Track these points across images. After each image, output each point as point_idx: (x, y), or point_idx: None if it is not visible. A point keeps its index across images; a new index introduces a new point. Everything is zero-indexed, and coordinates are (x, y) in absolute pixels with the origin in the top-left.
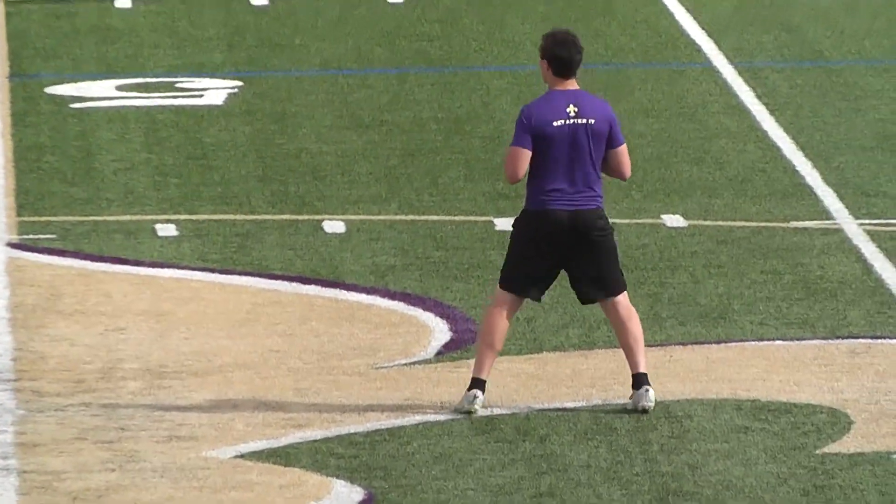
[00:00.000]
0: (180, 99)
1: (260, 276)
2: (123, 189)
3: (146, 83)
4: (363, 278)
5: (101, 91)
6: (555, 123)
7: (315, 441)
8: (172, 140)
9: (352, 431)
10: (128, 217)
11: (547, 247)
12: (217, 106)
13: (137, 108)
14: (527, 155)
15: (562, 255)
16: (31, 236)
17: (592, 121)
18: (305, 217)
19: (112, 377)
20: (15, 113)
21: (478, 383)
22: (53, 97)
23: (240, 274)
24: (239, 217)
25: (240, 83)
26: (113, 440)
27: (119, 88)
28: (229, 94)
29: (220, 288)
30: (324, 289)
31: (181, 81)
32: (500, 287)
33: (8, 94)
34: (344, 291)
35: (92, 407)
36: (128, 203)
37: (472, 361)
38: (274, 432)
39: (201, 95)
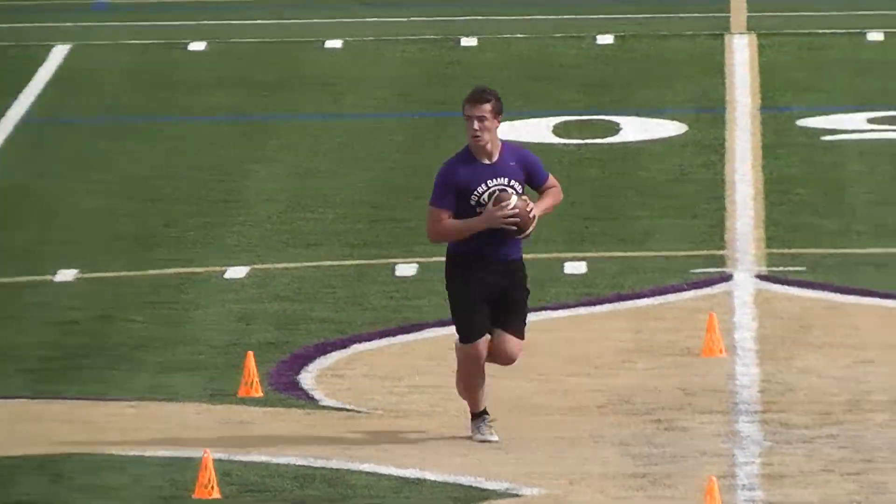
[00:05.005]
0: None
1: None
2: (874, 222)
3: None
4: None
5: (852, 124)
6: None
7: None
8: None
9: None
10: (878, 250)
11: None
12: None
13: (889, 140)
14: None
15: None
16: (780, 268)
17: None
18: None
19: (859, 409)
20: (766, 145)
21: None
22: (805, 129)
23: None
24: None
25: None
26: (860, 472)
27: (871, 121)
28: None
29: None
30: None
31: None
32: None
33: (759, 126)
34: None
35: (839, 439)
36: (878, 236)
37: None
38: None
39: None
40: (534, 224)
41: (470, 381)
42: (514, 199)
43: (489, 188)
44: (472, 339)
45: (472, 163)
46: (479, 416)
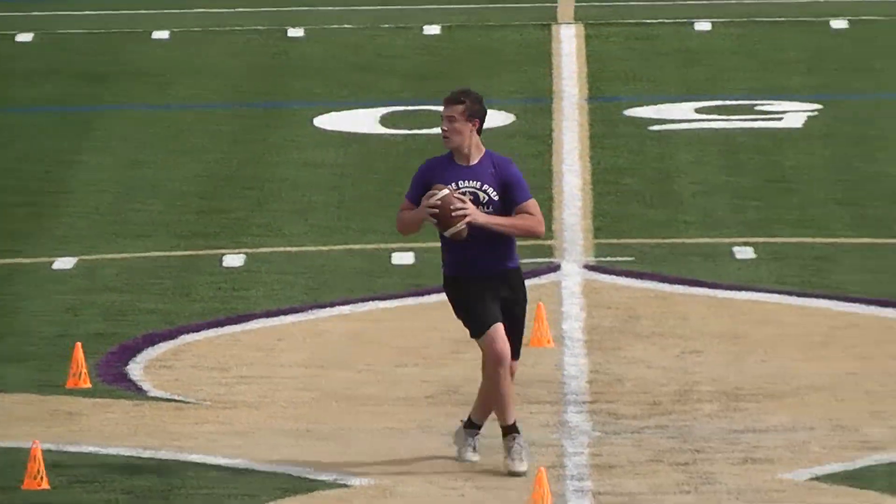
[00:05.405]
0: (759, 122)
1: (837, 298)
2: (702, 212)
3: (725, 105)
4: None
5: (680, 113)
6: None
7: (891, 463)
8: (751, 163)
9: None
10: (706, 240)
11: None
12: (796, 129)
13: (716, 130)
14: None
15: None
16: (608, 258)
17: None
18: (884, 240)
19: (688, 399)
20: (594, 135)
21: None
22: (632, 119)
23: (817, 297)
24: (818, 240)
25: (819, 106)
26: (688, 462)
27: (698, 111)
28: (809, 117)
29: (796, 310)
30: None
31: (760, 104)
32: None
33: (587, 116)
34: None
35: (668, 429)
36: (706, 226)
37: None
38: (850, 455)
39: (781, 118)
40: (459, 226)
41: (500, 385)
42: (442, 192)
43: (459, 189)
44: (485, 327)
45: (450, 163)
46: (510, 429)
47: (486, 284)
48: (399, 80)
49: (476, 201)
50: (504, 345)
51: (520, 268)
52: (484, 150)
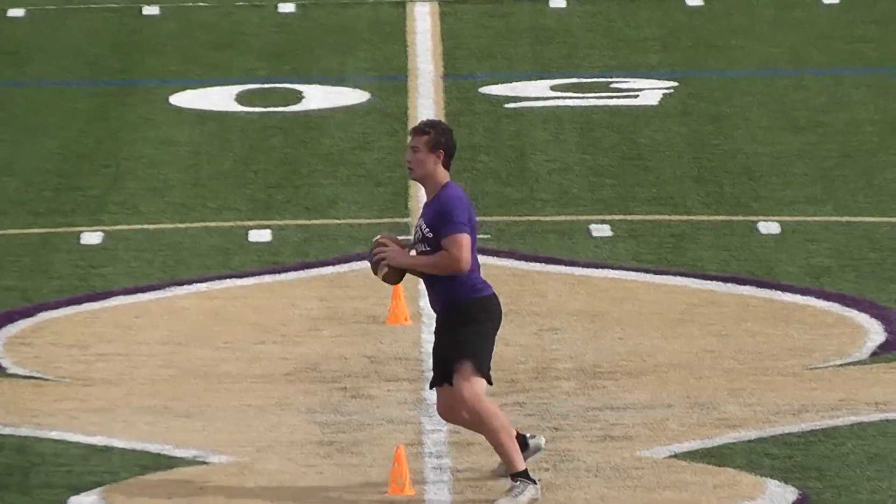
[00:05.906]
0: (615, 99)
1: (695, 276)
2: (558, 189)
3: (581, 83)
4: (798, 279)
5: (535, 91)
6: (474, 213)
7: (749, 441)
8: (607, 140)
9: (786, 432)
10: (562, 217)
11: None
12: (652, 106)
13: (572, 108)
14: None
15: None
16: None
17: None
18: (740, 218)
19: (546, 377)
20: (449, 113)
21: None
22: (488, 97)
23: (674, 274)
24: (674, 217)
25: (675, 83)
26: (547, 440)
27: (553, 88)
28: (665, 95)
29: (654, 288)
30: (759, 289)
31: (616, 81)
32: (480, 374)
33: (442, 94)
34: (779, 292)
35: (526, 406)
36: (562, 203)
37: None
38: (708, 432)
39: (636, 96)
40: (384, 272)
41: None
42: (376, 238)
43: (418, 227)
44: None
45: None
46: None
47: (436, 330)
48: (254, 57)
49: (418, 239)
50: (440, 407)
51: (474, 300)
52: (445, 183)
